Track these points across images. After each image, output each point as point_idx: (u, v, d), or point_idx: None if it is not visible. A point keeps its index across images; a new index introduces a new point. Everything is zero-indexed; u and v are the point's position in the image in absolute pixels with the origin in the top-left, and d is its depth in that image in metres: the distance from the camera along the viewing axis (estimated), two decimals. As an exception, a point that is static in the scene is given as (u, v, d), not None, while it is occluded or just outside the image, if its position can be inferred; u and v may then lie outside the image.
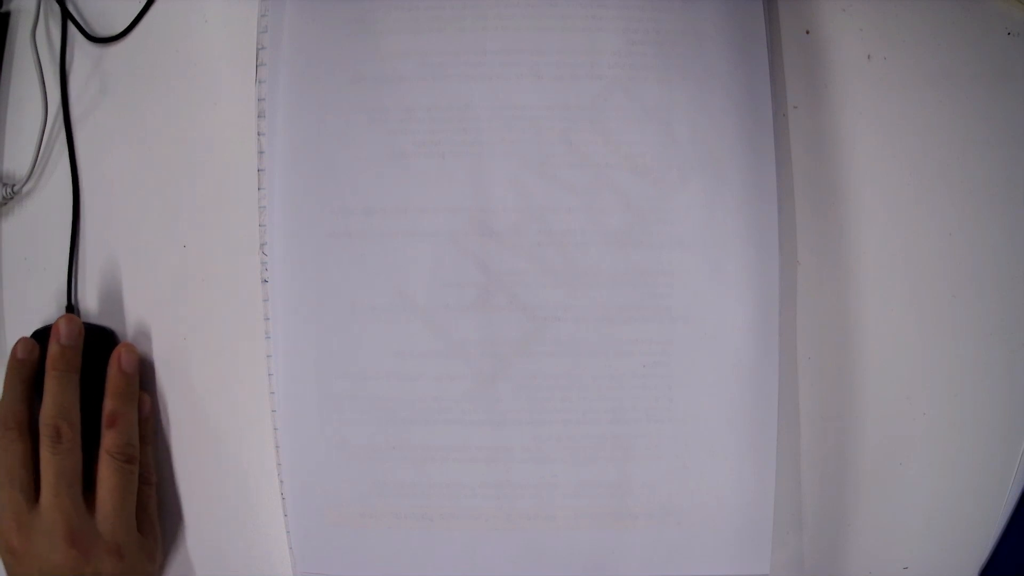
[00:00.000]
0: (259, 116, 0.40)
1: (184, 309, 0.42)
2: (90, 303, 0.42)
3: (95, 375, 0.40)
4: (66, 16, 0.42)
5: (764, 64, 0.40)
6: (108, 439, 0.39)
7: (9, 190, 0.42)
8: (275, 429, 0.40)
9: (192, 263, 0.42)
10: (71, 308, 0.42)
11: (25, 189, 0.43)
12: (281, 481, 0.40)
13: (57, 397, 0.38)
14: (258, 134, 0.40)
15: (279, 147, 0.39)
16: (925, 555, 0.41)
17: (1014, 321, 0.41)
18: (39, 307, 0.42)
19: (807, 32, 0.42)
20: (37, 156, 0.42)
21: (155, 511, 0.41)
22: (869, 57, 0.41)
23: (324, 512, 0.39)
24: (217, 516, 0.42)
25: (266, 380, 0.40)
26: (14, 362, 0.40)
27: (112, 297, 0.42)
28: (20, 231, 0.43)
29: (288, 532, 0.39)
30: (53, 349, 0.39)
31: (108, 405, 0.40)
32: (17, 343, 0.40)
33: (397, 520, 0.39)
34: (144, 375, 0.41)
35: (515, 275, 0.39)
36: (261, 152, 0.40)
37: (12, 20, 0.43)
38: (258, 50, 0.40)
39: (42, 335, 0.40)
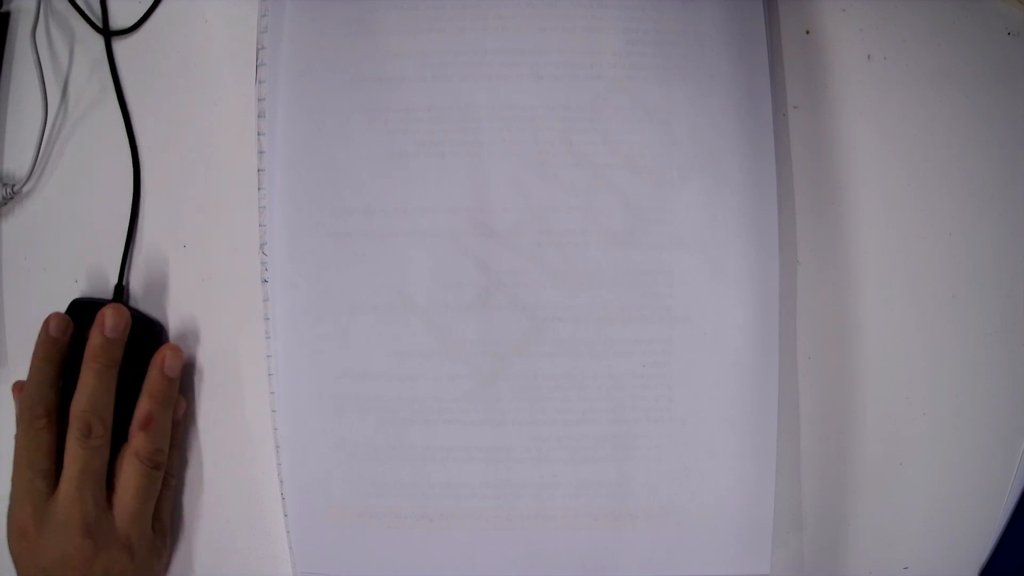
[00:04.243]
0: (259, 116, 0.40)
1: (184, 309, 0.42)
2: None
3: (133, 363, 0.39)
4: (86, 19, 0.42)
5: (764, 64, 0.40)
6: (139, 442, 0.39)
7: (9, 190, 0.42)
8: (275, 429, 0.40)
9: (192, 263, 0.42)
10: (120, 291, 0.41)
11: (25, 189, 0.43)
12: (281, 481, 0.40)
13: (93, 391, 0.38)
14: (258, 134, 0.40)
15: (279, 147, 0.39)
16: (925, 555, 0.41)
17: (1014, 321, 0.41)
18: (40, 307, 0.42)
19: (807, 32, 0.42)
20: (37, 156, 0.42)
21: (169, 512, 0.41)
22: (869, 57, 0.41)
23: (324, 512, 0.39)
24: (217, 516, 0.42)
25: (266, 380, 0.40)
26: (45, 338, 0.39)
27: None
28: (20, 231, 0.43)
29: (288, 532, 0.39)
30: (96, 340, 0.38)
31: (144, 406, 0.39)
32: (50, 318, 0.39)
33: (397, 520, 0.39)
34: (183, 377, 0.41)
35: (515, 275, 0.39)
36: (261, 152, 0.40)
37: (12, 20, 0.43)
38: (258, 50, 0.40)
39: (79, 308, 0.40)
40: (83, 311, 0.40)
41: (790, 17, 0.41)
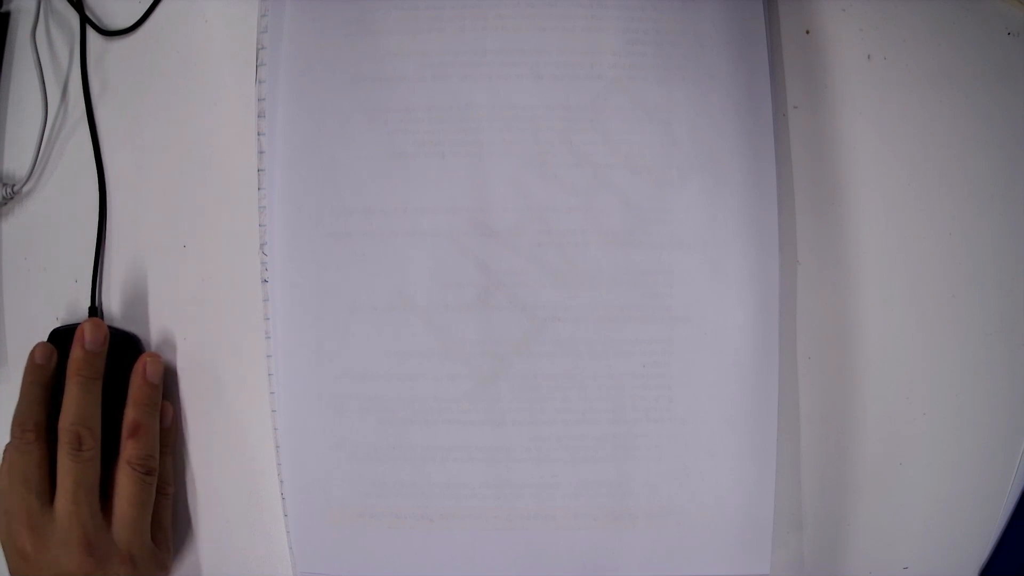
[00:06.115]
0: (259, 116, 0.40)
1: (184, 309, 0.42)
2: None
3: (115, 379, 0.40)
4: (84, 20, 0.42)
5: (764, 64, 0.40)
6: (129, 449, 0.39)
7: (9, 190, 0.42)
8: (275, 429, 0.40)
9: (192, 263, 0.42)
10: (94, 311, 0.41)
11: (25, 189, 0.43)
12: (281, 481, 0.40)
13: (79, 403, 0.38)
14: (258, 134, 0.40)
15: (279, 147, 0.39)
16: (925, 555, 0.41)
17: (1014, 321, 0.41)
18: (39, 308, 0.42)
19: (807, 32, 0.42)
20: (37, 156, 0.42)
21: (169, 521, 0.41)
22: (869, 57, 0.41)
23: (324, 512, 0.39)
24: (217, 516, 0.42)
25: (266, 380, 0.40)
26: (32, 366, 0.39)
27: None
28: (20, 231, 0.43)
29: (288, 532, 0.39)
30: (77, 354, 0.39)
31: (130, 415, 0.39)
32: (35, 347, 0.39)
33: (397, 520, 0.39)
34: (166, 384, 0.41)
35: (515, 275, 0.39)
36: (261, 152, 0.40)
37: (12, 20, 0.43)
38: (258, 50, 0.40)
39: (59, 336, 0.40)
40: (63, 338, 0.40)
41: (790, 17, 0.41)
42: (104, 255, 0.42)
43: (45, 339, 0.40)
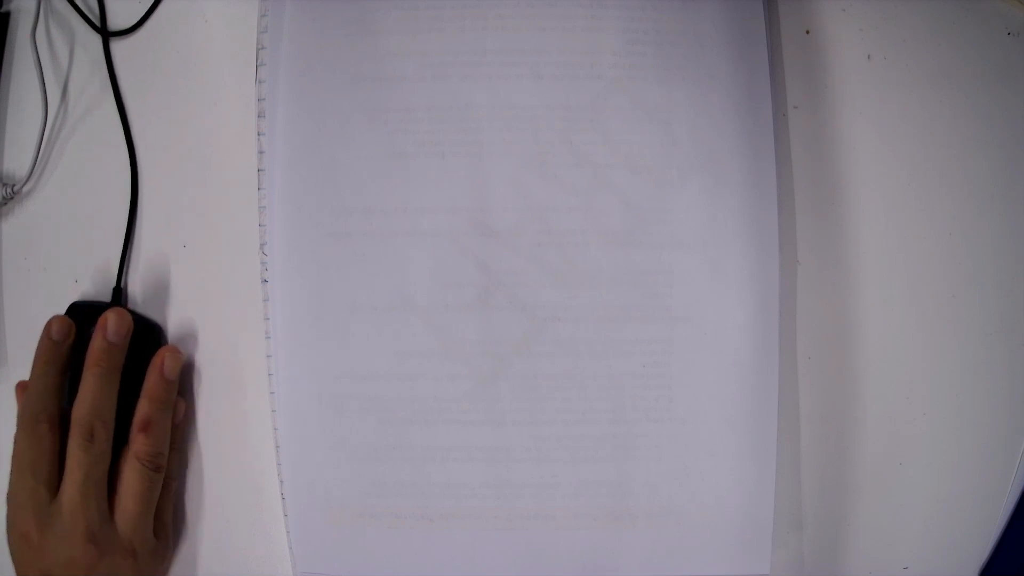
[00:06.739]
0: (259, 116, 0.40)
1: (184, 310, 0.42)
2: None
3: (132, 365, 0.39)
4: (105, 33, 0.43)
5: (764, 64, 0.40)
6: (139, 444, 0.39)
7: (9, 190, 0.42)
8: (275, 429, 0.40)
9: (192, 263, 0.42)
10: (119, 292, 0.41)
11: (25, 189, 0.43)
12: (281, 481, 0.40)
13: (95, 395, 0.38)
14: (258, 134, 0.40)
15: (279, 147, 0.39)
16: (925, 555, 0.41)
17: (1014, 321, 0.41)
18: (40, 307, 0.42)
19: (807, 32, 0.42)
20: (37, 156, 0.42)
21: (171, 515, 0.41)
22: (869, 57, 0.41)
23: (324, 512, 0.39)
24: (217, 516, 0.42)
25: (266, 380, 0.40)
26: (47, 343, 0.39)
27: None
28: (20, 231, 0.43)
29: (288, 532, 0.39)
30: (98, 344, 0.38)
31: (144, 408, 0.39)
32: (51, 321, 0.39)
33: (397, 520, 0.39)
34: (180, 379, 0.41)
35: (515, 275, 0.39)
36: (261, 152, 0.40)
37: (12, 20, 0.43)
38: (258, 50, 0.40)
39: (78, 310, 0.40)
40: (83, 313, 0.40)
41: (790, 17, 0.41)
42: (134, 237, 0.42)
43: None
